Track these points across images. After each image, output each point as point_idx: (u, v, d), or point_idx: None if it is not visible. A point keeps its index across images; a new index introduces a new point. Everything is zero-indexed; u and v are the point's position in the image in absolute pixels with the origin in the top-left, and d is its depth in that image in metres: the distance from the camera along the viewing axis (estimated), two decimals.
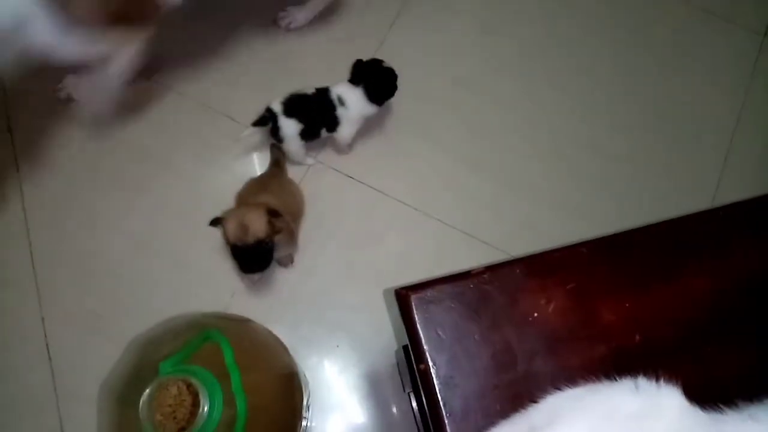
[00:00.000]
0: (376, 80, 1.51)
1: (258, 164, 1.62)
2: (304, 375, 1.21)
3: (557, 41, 1.83)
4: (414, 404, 1.32)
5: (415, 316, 0.82)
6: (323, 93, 1.51)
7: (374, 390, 1.46)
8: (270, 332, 1.05)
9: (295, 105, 1.48)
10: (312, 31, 1.76)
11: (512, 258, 0.85)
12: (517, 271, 0.84)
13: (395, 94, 1.55)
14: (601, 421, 0.64)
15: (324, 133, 1.54)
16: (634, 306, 0.83)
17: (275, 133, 1.50)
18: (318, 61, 1.73)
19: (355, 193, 1.62)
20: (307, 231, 1.55)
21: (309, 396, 1.23)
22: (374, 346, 1.48)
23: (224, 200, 1.44)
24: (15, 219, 1.54)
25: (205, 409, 0.81)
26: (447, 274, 0.85)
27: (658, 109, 1.78)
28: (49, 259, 1.52)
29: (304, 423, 1.13)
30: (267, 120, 1.48)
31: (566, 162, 1.69)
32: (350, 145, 1.63)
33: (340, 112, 1.50)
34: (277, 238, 1.30)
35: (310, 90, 1.51)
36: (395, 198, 1.62)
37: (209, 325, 0.89)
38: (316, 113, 1.51)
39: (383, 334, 1.47)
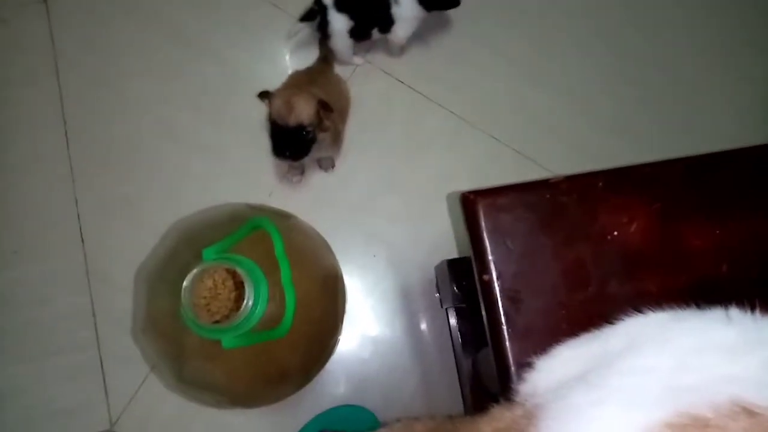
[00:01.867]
0: None
1: (303, 58, 1.52)
2: (343, 280, 1.16)
3: None
4: (452, 321, 1.28)
5: (482, 223, 0.75)
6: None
7: (406, 304, 1.42)
8: (315, 231, 1.00)
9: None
10: None
11: (594, 170, 0.78)
12: (600, 184, 0.76)
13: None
14: (688, 352, 0.57)
15: (376, 34, 1.42)
16: (724, 233, 0.75)
17: (323, 28, 1.38)
18: None
19: (403, 98, 1.52)
20: (350, 135, 1.47)
21: (345, 303, 1.19)
22: (411, 259, 1.43)
23: None
24: (50, 96, 1.48)
25: (250, 301, 0.77)
26: (520, 182, 0.77)
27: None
28: (83, 141, 1.46)
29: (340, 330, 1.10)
30: (315, 13, 1.36)
31: (637, 85, 1.57)
32: (404, 48, 1.51)
33: (395, 10, 1.38)
34: (322, 137, 1.22)
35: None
36: (446, 108, 1.52)
37: (257, 215, 0.83)
38: (369, 11, 1.39)
39: (422, 246, 1.42)
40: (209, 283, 0.87)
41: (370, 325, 1.40)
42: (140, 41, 1.53)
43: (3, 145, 1.47)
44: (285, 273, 0.77)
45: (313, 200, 1.45)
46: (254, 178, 1.45)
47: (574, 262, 0.74)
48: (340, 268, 1.04)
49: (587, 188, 0.76)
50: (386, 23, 1.40)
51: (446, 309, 1.29)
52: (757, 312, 0.60)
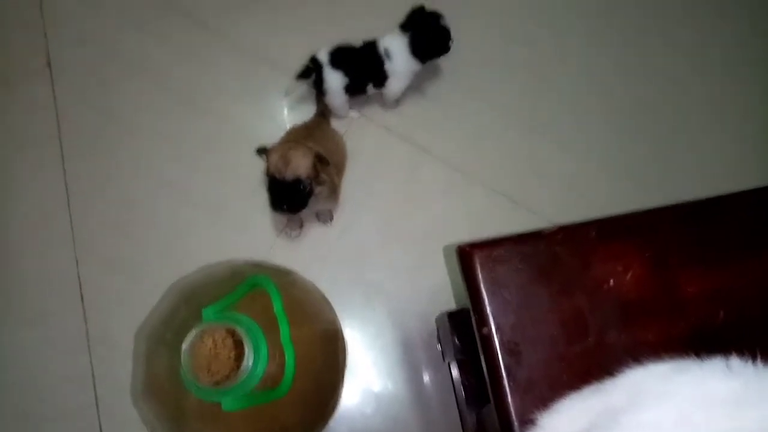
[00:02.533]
0: (426, 35, 1.42)
1: (301, 114, 1.56)
2: (343, 335, 1.16)
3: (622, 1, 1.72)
4: (455, 374, 1.27)
5: (479, 275, 0.76)
6: (371, 46, 1.42)
7: (408, 357, 1.41)
8: (315, 286, 1.00)
9: (342, 57, 1.40)
10: None
11: (587, 220, 0.79)
12: (593, 233, 0.77)
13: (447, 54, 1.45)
14: (691, 406, 0.57)
15: (371, 89, 1.46)
16: (719, 280, 0.76)
17: (319, 84, 1.42)
18: (368, 9, 1.64)
19: (399, 150, 1.55)
20: (348, 187, 1.49)
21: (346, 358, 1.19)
22: (412, 310, 1.42)
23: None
24: (52, 158, 1.51)
25: (250, 361, 0.77)
26: (515, 233, 0.78)
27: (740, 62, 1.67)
28: (84, 201, 1.48)
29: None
30: (311, 71, 1.40)
31: (628, 131, 1.60)
32: (399, 101, 1.55)
33: (388, 66, 1.42)
34: (319, 190, 1.24)
35: (357, 43, 1.42)
36: (441, 158, 1.55)
37: (256, 273, 0.84)
38: (363, 67, 1.43)
39: (422, 297, 1.42)
40: (209, 342, 0.87)
41: (372, 379, 1.39)
42: (141, 101, 1.57)
43: (4, 206, 1.48)
44: (284, 331, 0.77)
45: (313, 253, 1.45)
46: (255, 235, 1.46)
47: (572, 313, 0.74)
48: (339, 323, 1.04)
49: (581, 238, 0.77)
50: (380, 78, 1.44)
51: (448, 363, 1.28)
52: (758, 361, 0.60)
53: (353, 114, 1.56)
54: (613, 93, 1.63)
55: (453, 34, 1.40)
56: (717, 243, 0.77)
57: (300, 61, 1.40)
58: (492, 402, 0.72)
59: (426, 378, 1.39)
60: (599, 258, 0.76)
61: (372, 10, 1.63)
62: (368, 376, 1.39)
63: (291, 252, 1.45)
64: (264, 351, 0.77)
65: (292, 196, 1.21)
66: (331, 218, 1.48)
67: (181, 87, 1.58)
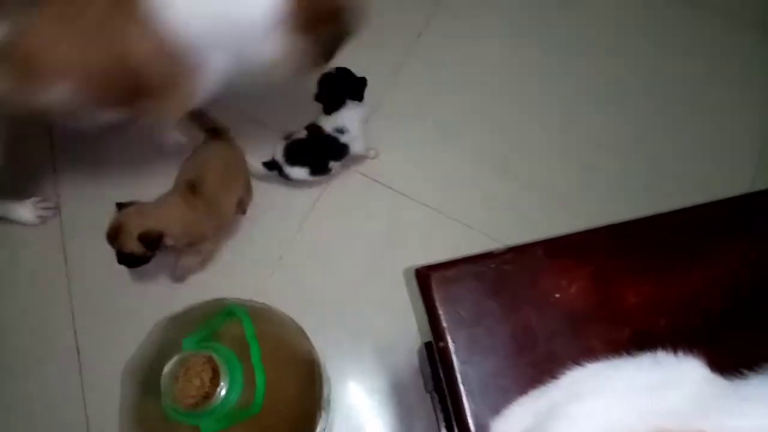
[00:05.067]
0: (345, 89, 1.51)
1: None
2: (325, 368, 1.21)
3: (578, 49, 1.83)
4: (436, 404, 1.30)
5: (435, 294, 0.82)
6: (316, 130, 1.51)
7: (396, 393, 1.45)
8: (290, 318, 1.06)
9: (296, 152, 1.49)
10: None
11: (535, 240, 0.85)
12: (539, 252, 0.84)
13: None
14: (621, 394, 0.63)
15: (334, 164, 1.54)
16: (658, 290, 0.81)
17: (285, 176, 1.52)
18: None
19: (376, 194, 1.63)
20: (326, 231, 1.57)
21: (330, 391, 1.23)
22: (397, 348, 1.47)
23: None
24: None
25: (225, 385, 0.82)
26: (468, 255, 0.85)
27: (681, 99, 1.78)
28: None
29: (323, 418, 1.12)
30: (274, 166, 1.51)
31: (595, 169, 1.68)
32: (372, 150, 1.63)
33: (344, 139, 1.51)
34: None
35: (301, 133, 1.51)
36: (418, 200, 1.62)
37: (232, 303, 0.90)
38: (320, 152, 1.52)
39: (407, 336, 1.46)
40: (196, 382, 0.92)
41: (361, 416, 1.42)
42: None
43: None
44: (255, 354, 0.83)
45: (297, 299, 1.50)
46: (238, 283, 1.52)
47: (522, 325, 0.80)
48: (317, 354, 1.09)
49: (528, 256, 0.84)
50: (340, 153, 1.53)
51: (430, 392, 1.32)
52: (681, 353, 0.66)
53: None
54: (585, 128, 1.73)
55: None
56: (652, 256, 0.83)
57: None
58: (451, 410, 0.77)
59: (416, 412, 1.42)
60: (546, 274, 0.82)
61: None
62: (357, 414, 1.42)
63: (276, 299, 1.50)
64: (239, 375, 0.82)
65: (126, 260, 1.30)
66: (192, 273, 1.49)
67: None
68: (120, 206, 1.29)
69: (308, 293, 1.51)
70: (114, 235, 1.26)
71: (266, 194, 1.60)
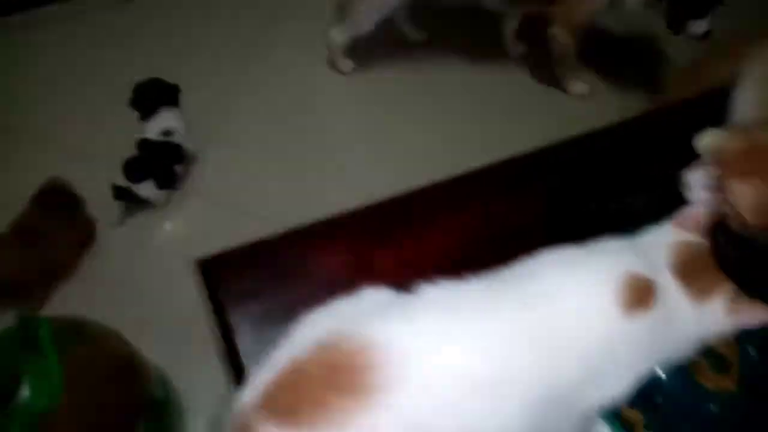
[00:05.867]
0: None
1: None
2: (165, 375, 1.26)
3: None
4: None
5: (214, 282, 0.92)
6: (145, 143, 1.58)
7: None
8: (105, 326, 1.12)
9: (135, 168, 1.55)
10: None
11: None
12: (308, 233, 0.97)
13: None
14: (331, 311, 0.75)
15: (178, 168, 1.61)
16: (405, 253, 0.96)
17: (139, 200, 1.55)
18: None
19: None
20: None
21: (168, 393, 1.28)
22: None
23: None
24: None
25: (25, 389, 0.87)
26: (245, 243, 0.96)
27: None
28: None
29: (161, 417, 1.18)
30: (124, 193, 1.54)
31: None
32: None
33: (176, 139, 1.59)
34: None
35: (133, 151, 1.57)
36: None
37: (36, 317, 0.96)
38: (158, 161, 1.58)
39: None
40: None
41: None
42: None
43: None
44: (51, 357, 0.89)
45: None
46: None
47: (298, 300, 0.92)
48: (142, 362, 1.15)
49: (301, 239, 0.97)
50: (178, 152, 1.62)
51: None
52: None
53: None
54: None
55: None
56: (398, 228, 0.99)
57: None
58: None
59: None
60: (314, 253, 0.96)
61: None
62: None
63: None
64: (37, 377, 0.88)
65: None
66: None
67: None
68: None
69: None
70: None
71: None
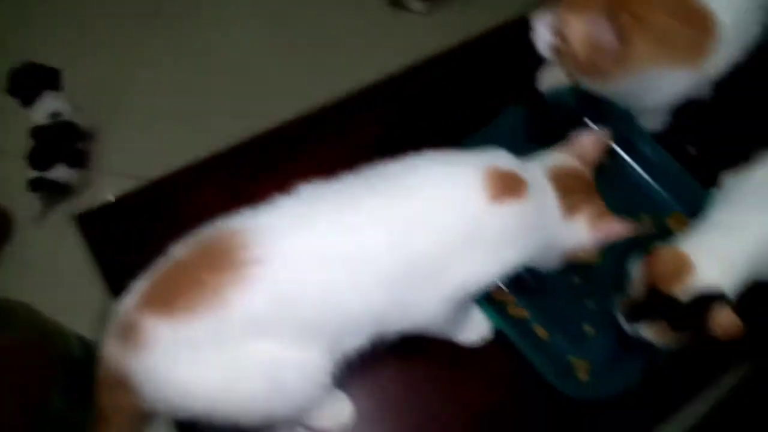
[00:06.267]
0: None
1: None
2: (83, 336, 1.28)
3: None
4: None
5: (97, 233, 0.95)
6: (39, 129, 1.56)
7: None
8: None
9: (41, 156, 1.54)
10: None
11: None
12: (193, 175, 1.02)
13: None
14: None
15: (80, 145, 1.61)
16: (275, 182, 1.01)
17: (63, 188, 1.55)
18: None
19: None
20: None
21: (93, 352, 1.29)
22: None
23: None
24: None
25: None
26: (128, 191, 1.00)
27: None
28: None
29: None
30: (38, 184, 1.53)
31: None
32: None
33: (67, 117, 1.58)
34: None
35: (31, 142, 1.56)
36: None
37: None
38: (59, 143, 1.57)
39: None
40: None
41: None
42: None
43: None
44: None
45: None
46: None
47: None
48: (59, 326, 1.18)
49: (185, 181, 1.01)
50: (76, 130, 1.62)
51: None
52: None
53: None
54: None
55: None
56: (266, 163, 1.04)
57: None
58: None
59: None
60: (191, 195, 1.00)
61: None
62: None
63: None
64: None
65: None
66: None
67: None
68: None
69: None
70: None
71: None
